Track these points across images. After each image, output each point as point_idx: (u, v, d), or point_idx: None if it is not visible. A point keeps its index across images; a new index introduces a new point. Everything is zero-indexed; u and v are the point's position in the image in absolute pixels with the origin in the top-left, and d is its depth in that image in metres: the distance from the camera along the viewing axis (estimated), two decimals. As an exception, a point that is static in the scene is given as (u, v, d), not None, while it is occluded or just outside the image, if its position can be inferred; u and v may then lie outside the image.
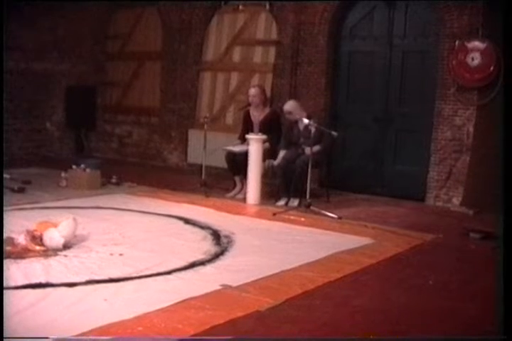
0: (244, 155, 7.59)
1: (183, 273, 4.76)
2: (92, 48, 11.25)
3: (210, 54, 9.96)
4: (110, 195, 7.83)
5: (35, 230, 5.27)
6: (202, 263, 5.05)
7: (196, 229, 6.20)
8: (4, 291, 3.82)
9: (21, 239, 5.12)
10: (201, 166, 8.18)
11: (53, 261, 4.90)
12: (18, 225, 5.64)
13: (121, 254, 5.19)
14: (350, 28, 8.56)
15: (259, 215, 7.01)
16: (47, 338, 3.37)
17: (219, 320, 3.82)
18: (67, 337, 3.47)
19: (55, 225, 5.30)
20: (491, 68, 7.23)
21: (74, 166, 8.28)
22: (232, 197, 7.90)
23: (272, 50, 9.22)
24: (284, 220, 6.70)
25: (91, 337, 3.50)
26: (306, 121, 7.20)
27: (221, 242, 5.72)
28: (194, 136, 9.70)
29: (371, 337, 3.71)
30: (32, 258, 4.92)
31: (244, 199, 7.66)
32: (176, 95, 10.29)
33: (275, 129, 7.88)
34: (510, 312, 3.23)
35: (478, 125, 7.47)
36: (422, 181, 7.88)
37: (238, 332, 3.71)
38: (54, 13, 10.48)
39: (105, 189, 8.19)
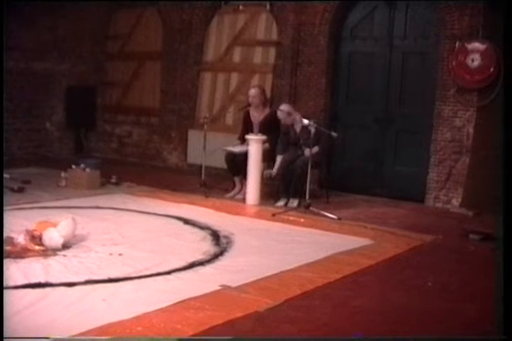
0: (244, 155, 7.59)
1: (182, 274, 4.76)
2: (92, 48, 11.25)
3: (210, 54, 9.96)
4: (109, 194, 7.83)
5: (35, 230, 5.28)
6: (201, 263, 5.05)
7: (196, 230, 6.20)
8: (4, 291, 3.82)
9: (21, 239, 5.12)
10: (201, 166, 8.18)
11: (52, 261, 4.90)
12: (18, 225, 5.64)
13: (120, 254, 5.19)
14: (351, 29, 8.56)
15: (258, 216, 7.01)
16: (47, 338, 3.37)
17: (218, 320, 3.82)
18: (67, 337, 3.47)
19: (55, 225, 5.30)
20: (491, 69, 7.23)
21: (73, 166, 8.28)
22: (232, 198, 7.90)
23: (272, 51, 9.22)
24: (283, 221, 6.70)
25: (90, 337, 3.50)
26: (305, 121, 7.19)
27: (220, 243, 5.72)
28: (194, 137, 9.70)
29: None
30: (31, 258, 4.92)
31: (243, 200, 7.65)
32: (176, 95, 10.29)
33: (275, 130, 7.86)
34: (510, 313, 3.23)
35: (478, 126, 7.48)
36: (422, 182, 7.88)
37: (237, 332, 3.71)
38: (54, 13, 10.49)
39: (105, 189, 8.19)
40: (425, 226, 6.71)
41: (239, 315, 3.94)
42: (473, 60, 7.34)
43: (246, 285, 4.53)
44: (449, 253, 5.75)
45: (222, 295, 4.32)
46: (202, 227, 6.27)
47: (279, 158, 7.61)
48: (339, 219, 6.84)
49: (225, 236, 5.93)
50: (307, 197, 7.08)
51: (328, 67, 8.63)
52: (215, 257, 5.25)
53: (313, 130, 7.09)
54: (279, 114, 7.64)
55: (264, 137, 7.57)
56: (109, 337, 3.51)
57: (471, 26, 7.38)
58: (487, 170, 7.12)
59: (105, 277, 4.56)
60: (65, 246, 5.23)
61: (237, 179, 8.01)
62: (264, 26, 9.34)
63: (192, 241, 5.77)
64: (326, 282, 4.70)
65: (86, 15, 10.91)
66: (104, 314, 3.83)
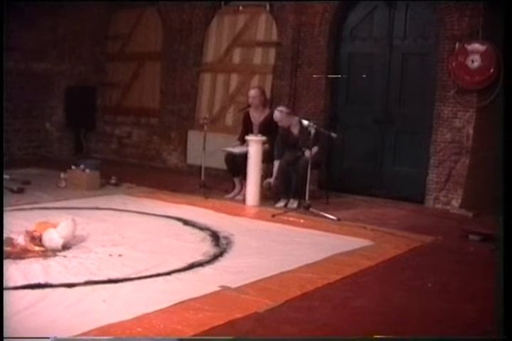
0: (244, 156, 7.59)
1: (182, 274, 4.76)
2: (92, 49, 11.26)
3: (210, 55, 9.96)
4: (109, 195, 7.83)
5: (35, 231, 5.27)
6: (201, 264, 5.05)
7: (195, 230, 6.20)
8: (3, 292, 3.82)
9: (20, 240, 5.11)
10: (200, 167, 8.18)
11: (52, 262, 4.90)
12: (18, 226, 5.64)
13: (120, 255, 5.18)
14: (351, 29, 8.56)
15: (258, 216, 7.00)
16: (47, 338, 3.37)
17: (218, 321, 3.82)
18: (67, 337, 3.47)
19: (54, 226, 5.30)
20: (491, 70, 7.24)
21: (73, 167, 8.27)
22: (232, 199, 7.90)
23: (272, 52, 9.22)
24: (283, 222, 6.70)
25: (91, 337, 3.50)
26: (305, 122, 7.19)
27: (220, 243, 5.71)
28: (194, 137, 9.69)
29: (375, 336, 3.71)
30: (31, 259, 4.92)
31: (243, 201, 7.65)
32: (176, 96, 10.29)
33: (275, 131, 7.86)
34: (510, 313, 3.23)
35: (478, 127, 7.48)
36: (422, 183, 7.88)
37: (237, 333, 3.71)
38: (54, 13, 10.49)
39: (104, 190, 8.18)
40: (425, 227, 6.71)
41: (239, 315, 3.94)
42: (473, 61, 7.35)
43: (246, 286, 4.53)
44: (448, 254, 5.75)
45: (222, 296, 4.32)
46: (202, 228, 6.27)
47: (276, 164, 7.61)
48: (339, 220, 6.83)
49: (225, 237, 5.92)
50: (307, 198, 7.08)
51: (328, 68, 8.63)
52: (214, 258, 5.25)
53: (313, 131, 7.09)
54: (275, 116, 7.61)
55: (264, 138, 7.56)
56: (110, 337, 3.51)
57: (471, 27, 7.39)
58: (487, 171, 7.13)
59: (105, 278, 4.56)
60: (65, 246, 5.23)
61: (236, 180, 8.01)
62: (264, 27, 9.34)
63: (192, 242, 5.77)
64: (326, 283, 4.70)
65: (86, 16, 10.93)
66: (104, 315, 3.83)
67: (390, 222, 6.92)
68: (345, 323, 3.98)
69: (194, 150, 9.45)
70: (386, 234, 6.31)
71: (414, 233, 6.38)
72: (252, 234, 6.13)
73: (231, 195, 7.99)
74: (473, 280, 4.99)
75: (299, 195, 7.32)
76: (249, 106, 8.15)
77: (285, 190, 7.55)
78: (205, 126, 8.22)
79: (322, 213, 6.96)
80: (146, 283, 4.53)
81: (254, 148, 7.48)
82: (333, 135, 7.29)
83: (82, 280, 4.47)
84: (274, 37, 9.19)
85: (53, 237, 5.18)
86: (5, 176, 7.73)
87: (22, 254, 4.98)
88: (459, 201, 7.60)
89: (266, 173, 7.83)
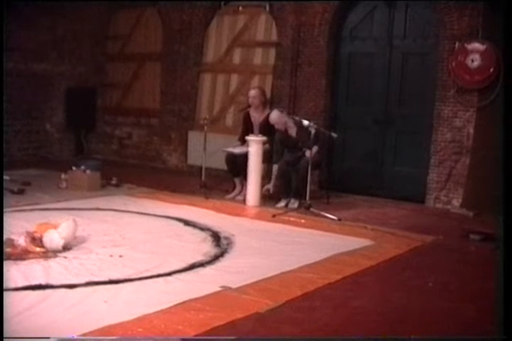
0: (244, 156, 7.59)
1: (183, 275, 4.76)
2: (92, 49, 11.26)
3: (210, 55, 9.97)
4: (110, 196, 7.83)
5: (35, 232, 5.27)
6: (202, 264, 5.05)
7: (196, 231, 6.20)
8: (4, 293, 3.83)
9: (21, 241, 5.12)
10: (201, 168, 8.18)
11: (53, 263, 4.90)
12: (18, 227, 5.65)
13: (121, 256, 5.18)
14: (351, 29, 8.56)
15: (259, 217, 7.00)
16: (47, 338, 3.37)
17: (219, 321, 3.83)
18: (68, 337, 3.47)
19: (55, 227, 5.30)
20: (491, 70, 7.23)
21: (74, 168, 8.27)
22: (232, 199, 7.90)
23: (272, 52, 9.22)
24: (283, 222, 6.70)
25: (91, 338, 3.50)
26: (306, 122, 7.19)
27: (221, 244, 5.72)
28: (194, 138, 9.70)
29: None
30: (32, 260, 4.92)
31: (244, 201, 7.65)
32: (176, 96, 10.30)
33: (275, 131, 7.86)
34: (510, 313, 3.23)
35: (478, 127, 7.47)
36: (422, 183, 7.88)
37: (238, 333, 3.71)
38: (54, 13, 10.48)
39: (105, 190, 8.18)
40: (425, 227, 6.71)
41: (240, 316, 3.94)
42: (473, 61, 7.35)
43: (247, 286, 4.53)
44: (449, 254, 5.75)
45: (223, 296, 4.32)
46: (202, 228, 6.27)
47: (275, 169, 7.60)
48: (339, 219, 6.84)
49: (226, 238, 5.93)
50: (307, 198, 7.08)
51: (327, 68, 8.63)
52: (215, 258, 5.25)
53: (313, 131, 7.09)
54: (271, 119, 7.58)
55: (264, 138, 7.56)
56: (111, 337, 3.51)
57: (471, 26, 7.39)
58: (487, 171, 7.12)
59: (106, 278, 4.56)
60: (66, 247, 5.23)
61: (237, 180, 8.01)
62: (263, 27, 9.34)
63: (192, 242, 5.77)
64: (327, 283, 4.70)
65: (86, 16, 10.93)
66: (105, 315, 3.83)
67: (391, 222, 6.92)
68: (345, 323, 3.98)
69: (194, 151, 9.46)
70: (387, 234, 6.31)
71: (415, 233, 6.38)
72: (253, 235, 6.13)
73: (232, 196, 7.99)
74: (474, 279, 4.99)
75: (300, 195, 7.32)
76: (249, 106, 8.16)
77: (286, 190, 7.55)
78: (206, 127, 8.23)
79: (323, 213, 6.96)
80: (147, 284, 4.53)
81: (255, 148, 7.48)
82: (334, 135, 7.29)
83: (82, 281, 4.47)
84: (274, 37, 9.19)
85: (54, 238, 5.18)
86: (5, 177, 7.73)
87: (23, 255, 4.98)
88: (460, 200, 7.61)
89: (266, 173, 7.84)
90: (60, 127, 11.08)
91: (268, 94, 8.68)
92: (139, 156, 10.90)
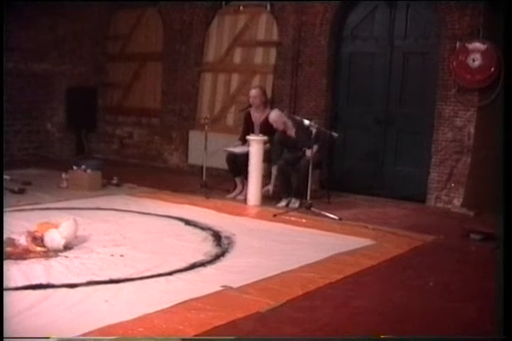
0: (245, 156, 7.58)
1: (183, 274, 4.76)
2: (93, 49, 11.25)
3: (210, 55, 9.96)
4: (111, 196, 7.83)
5: (36, 231, 5.28)
6: (202, 264, 5.05)
7: (197, 230, 6.20)
8: (5, 292, 3.83)
9: (22, 240, 5.12)
10: (202, 167, 8.18)
11: (54, 262, 4.90)
12: (19, 226, 5.65)
13: (121, 255, 5.18)
14: (351, 29, 8.56)
15: (259, 216, 7.00)
16: (47, 338, 3.37)
17: (220, 321, 3.83)
18: (69, 337, 3.47)
19: (56, 226, 5.30)
20: (492, 69, 7.23)
21: (74, 167, 8.27)
22: (233, 199, 7.90)
23: (273, 51, 9.22)
24: (284, 221, 6.70)
25: (92, 337, 3.50)
26: (307, 122, 7.19)
27: (222, 243, 5.72)
28: (195, 137, 9.70)
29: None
30: (33, 259, 4.92)
31: (244, 201, 7.65)
32: (177, 96, 10.30)
33: (275, 130, 7.86)
34: (510, 313, 3.23)
35: (479, 126, 7.47)
36: (423, 182, 7.88)
37: (239, 333, 3.71)
38: (54, 13, 10.48)
39: (106, 190, 8.18)
40: (426, 227, 6.71)
41: (240, 315, 3.94)
42: (473, 60, 7.34)
43: (247, 285, 4.53)
44: (450, 253, 5.75)
45: (224, 295, 4.32)
46: (203, 228, 6.27)
47: (274, 170, 7.59)
48: (340, 219, 6.84)
49: (227, 237, 5.93)
50: (308, 197, 7.08)
51: (328, 68, 8.63)
52: (216, 258, 5.25)
53: (314, 130, 7.09)
54: (270, 118, 7.59)
55: (265, 138, 7.56)
56: (112, 337, 3.51)
57: (472, 26, 7.39)
58: (488, 170, 7.12)
59: (107, 278, 4.56)
60: (67, 247, 5.23)
61: (238, 180, 8.01)
62: (264, 27, 9.34)
63: (193, 242, 5.77)
64: (328, 282, 4.70)
65: (86, 16, 10.92)
66: (106, 315, 3.83)
67: (392, 222, 6.92)
68: (346, 323, 3.98)
69: (195, 150, 9.46)
70: (387, 234, 6.31)
71: (416, 232, 6.39)
72: (254, 234, 6.13)
73: (232, 195, 7.99)
74: (475, 279, 4.99)
75: (301, 195, 7.32)
76: (250, 106, 8.15)
77: (286, 190, 7.55)
78: (206, 126, 8.23)
79: (323, 213, 6.96)
80: (148, 284, 4.53)
81: (256, 147, 7.48)
82: (334, 135, 7.29)
83: (83, 281, 4.47)
84: (275, 37, 9.19)
85: (55, 238, 5.19)
86: (5, 177, 7.73)
87: (24, 255, 4.99)
88: (461, 200, 7.60)
89: (267, 173, 7.84)
90: (61, 127, 11.08)
91: (269, 94, 8.68)
92: (139, 156, 10.90)
